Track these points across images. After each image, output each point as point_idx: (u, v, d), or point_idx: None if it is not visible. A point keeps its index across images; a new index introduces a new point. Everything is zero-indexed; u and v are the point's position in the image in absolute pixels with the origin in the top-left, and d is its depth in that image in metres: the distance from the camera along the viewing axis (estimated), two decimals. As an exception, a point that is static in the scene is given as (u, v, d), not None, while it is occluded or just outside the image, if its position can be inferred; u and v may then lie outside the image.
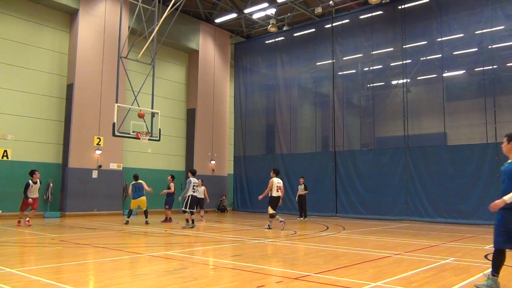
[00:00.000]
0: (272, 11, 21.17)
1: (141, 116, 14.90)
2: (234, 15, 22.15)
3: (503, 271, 5.10)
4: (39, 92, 17.38)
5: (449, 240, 10.41)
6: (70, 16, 18.41)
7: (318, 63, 21.28)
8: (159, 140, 15.98)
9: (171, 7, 15.09)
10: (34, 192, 12.78)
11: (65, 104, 18.03)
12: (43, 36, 17.64)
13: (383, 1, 18.55)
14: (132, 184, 14.32)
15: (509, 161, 5.03)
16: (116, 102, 15.08)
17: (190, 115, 22.94)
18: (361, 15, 19.87)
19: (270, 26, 21.90)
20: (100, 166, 18.07)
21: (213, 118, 23.35)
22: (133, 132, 15.01)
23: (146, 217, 14.29)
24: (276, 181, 12.92)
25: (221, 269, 6.42)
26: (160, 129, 15.84)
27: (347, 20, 20.23)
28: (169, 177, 15.68)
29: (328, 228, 13.65)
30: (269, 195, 12.87)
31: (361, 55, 19.76)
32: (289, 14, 22.07)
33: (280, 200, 13.09)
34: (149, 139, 15.45)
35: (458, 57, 17.12)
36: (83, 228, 12.71)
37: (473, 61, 16.70)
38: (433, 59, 17.75)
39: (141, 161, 20.33)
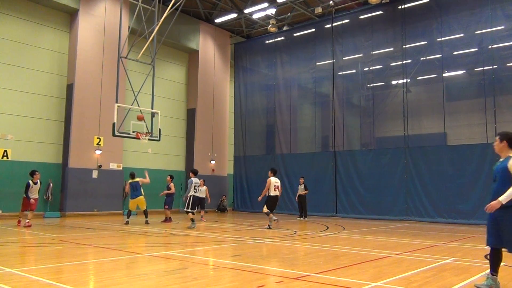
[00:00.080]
0: (272, 11, 21.17)
1: (140, 118, 14.89)
2: (234, 15, 22.15)
3: (503, 271, 5.10)
4: (39, 92, 17.38)
5: (449, 240, 10.41)
6: (70, 16, 18.41)
7: (318, 63, 21.28)
8: (159, 140, 15.98)
9: (171, 7, 15.09)
10: (34, 193, 12.73)
11: (65, 104, 18.03)
12: (43, 36, 17.64)
13: (383, 1, 18.55)
14: (129, 183, 14.30)
15: (501, 159, 5.05)
16: (116, 102, 15.08)
17: (190, 115, 22.94)
18: (361, 15, 19.87)
19: (270, 26, 21.90)
20: (100, 166, 18.07)
21: (213, 118, 23.35)
22: (133, 132, 15.02)
23: (146, 217, 14.28)
24: (274, 181, 13.01)
25: (221, 269, 6.42)
26: (160, 129, 15.85)
27: (347, 20, 20.23)
28: (168, 177, 15.66)
29: (328, 228, 13.65)
30: (267, 194, 12.96)
31: (361, 55, 19.76)
32: (289, 14, 22.07)
33: (278, 200, 13.17)
34: (149, 139, 15.46)
35: (458, 57, 17.11)
36: (83, 228, 12.71)
37: (473, 61, 16.69)
38: (433, 59, 17.75)
39: (141, 161, 20.33)
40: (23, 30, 17.04)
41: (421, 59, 17.82)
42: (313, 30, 21.64)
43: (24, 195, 12.68)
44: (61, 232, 11.77)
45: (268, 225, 12.89)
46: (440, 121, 16.79)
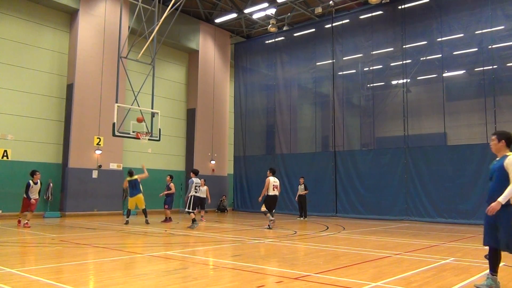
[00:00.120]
0: (272, 11, 21.17)
1: (140, 121, 14.89)
2: (234, 15, 22.15)
3: (503, 271, 5.10)
4: (39, 92, 17.38)
5: (449, 240, 10.41)
6: (70, 16, 18.41)
7: (318, 63, 21.28)
8: (159, 140, 15.97)
9: (171, 7, 15.09)
10: (34, 193, 12.69)
11: (65, 104, 18.03)
12: (43, 36, 17.64)
13: (383, 1, 18.55)
14: (128, 181, 14.29)
15: (497, 158, 5.07)
16: (116, 102, 15.08)
17: (190, 115, 22.94)
18: (361, 15, 19.87)
19: (270, 26, 21.90)
20: (100, 166, 18.07)
21: (213, 118, 23.36)
22: (133, 132, 15.01)
23: (146, 216, 14.27)
24: (273, 180, 13.07)
25: (221, 269, 6.42)
26: (160, 129, 15.84)
27: (347, 20, 20.23)
28: (168, 177, 15.65)
29: (328, 228, 13.65)
30: (266, 193, 13.01)
31: (361, 55, 19.76)
32: (289, 14, 22.07)
33: (277, 200, 13.20)
34: (149, 139, 15.45)
35: (458, 57, 17.12)
36: (83, 228, 12.71)
37: (473, 61, 16.69)
38: (433, 59, 17.75)
39: (141, 161, 20.26)
40: (23, 30, 17.04)
41: (421, 59, 17.82)
42: (313, 30, 21.64)
43: (25, 195, 12.64)
44: (61, 232, 11.78)
45: (268, 225, 12.89)
46: (440, 121, 16.79)
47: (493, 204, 4.73)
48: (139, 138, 15.01)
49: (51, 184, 17.00)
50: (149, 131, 15.49)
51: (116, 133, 14.73)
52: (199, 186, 13.24)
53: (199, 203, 13.53)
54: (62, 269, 6.34)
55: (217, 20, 22.86)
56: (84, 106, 17.74)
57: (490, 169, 5.10)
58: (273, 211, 13.26)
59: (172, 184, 15.46)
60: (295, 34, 22.43)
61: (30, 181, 12.65)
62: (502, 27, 15.92)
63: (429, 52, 17.77)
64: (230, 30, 24.64)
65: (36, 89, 17.28)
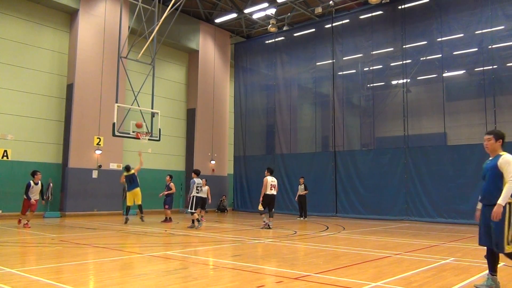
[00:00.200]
0: (272, 11, 21.17)
1: (139, 126, 14.88)
2: (234, 15, 22.15)
3: (503, 271, 5.10)
4: (39, 92, 17.38)
5: (449, 240, 10.42)
6: (70, 16, 18.41)
7: (318, 63, 21.28)
8: (159, 140, 15.97)
9: (171, 7, 15.09)
10: (35, 194, 12.66)
11: (65, 104, 18.03)
12: (43, 36, 17.64)
13: (383, 1, 18.55)
14: (125, 176, 14.29)
15: (491, 158, 5.09)
16: (116, 102, 15.08)
17: (190, 115, 22.94)
18: (361, 15, 19.86)
19: (270, 26, 21.90)
20: (100, 166, 18.07)
21: (213, 118, 23.36)
22: (133, 132, 15.02)
23: (141, 213, 14.27)
24: (271, 180, 13.12)
25: (221, 269, 6.42)
26: (160, 129, 15.84)
27: (347, 20, 20.22)
28: (168, 177, 15.66)
29: (328, 228, 13.65)
30: (264, 193, 13.04)
31: (361, 55, 19.76)
32: (289, 14, 22.07)
33: (274, 199, 13.23)
34: (149, 139, 15.45)
35: (458, 57, 17.11)
36: (83, 228, 12.71)
37: (473, 61, 16.69)
38: (433, 59, 17.75)
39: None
40: (23, 30, 17.04)
41: (421, 59, 17.82)
42: (313, 30, 21.63)
43: (25, 196, 12.56)
44: (61, 232, 11.78)
45: (268, 225, 12.90)
46: (440, 121, 16.79)
47: (495, 209, 4.72)
48: (139, 138, 15.02)
49: (51, 184, 17.00)
50: (149, 131, 15.49)
51: (116, 133, 14.73)
52: (200, 187, 13.25)
53: (201, 203, 13.54)
54: (62, 269, 6.34)
55: (217, 20, 22.86)
56: (84, 106, 17.74)
57: (483, 169, 5.12)
58: (273, 211, 13.29)
59: (172, 184, 15.47)
60: (295, 34, 22.43)
61: (31, 181, 12.62)
62: (502, 27, 15.92)
63: (429, 52, 17.77)
64: (230, 30, 24.64)
65: (36, 89, 17.28)
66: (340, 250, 8.61)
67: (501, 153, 4.97)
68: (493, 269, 4.95)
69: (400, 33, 18.19)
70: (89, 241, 9.65)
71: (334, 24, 20.39)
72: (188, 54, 23.39)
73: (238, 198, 23.53)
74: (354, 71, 20.44)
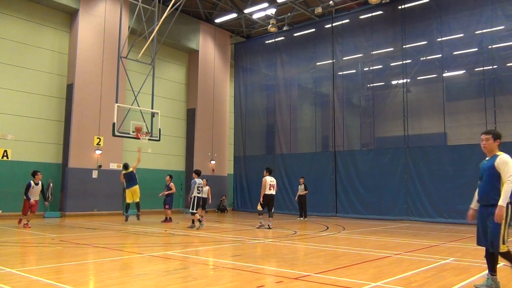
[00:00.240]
0: (272, 11, 21.17)
1: (138, 130, 14.88)
2: (234, 15, 22.15)
3: (503, 271, 5.10)
4: (39, 92, 17.38)
5: (449, 240, 10.42)
6: (70, 16, 18.41)
7: (318, 63, 21.27)
8: (159, 140, 15.98)
9: (171, 7, 15.09)
10: (35, 194, 12.64)
11: (65, 104, 18.03)
12: (43, 36, 17.64)
13: (383, 1, 18.55)
14: (124, 174, 14.30)
15: (487, 158, 5.11)
16: (116, 102, 15.08)
17: (190, 115, 22.94)
18: (361, 15, 19.86)
19: (270, 26, 21.90)
20: (100, 166, 18.07)
21: (213, 118, 23.36)
22: (133, 132, 15.03)
23: (138, 211, 14.27)
24: (269, 180, 13.16)
25: (221, 269, 6.42)
26: (160, 129, 15.85)
27: (347, 20, 20.22)
28: (168, 177, 15.66)
29: (328, 228, 13.65)
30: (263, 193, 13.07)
31: (361, 55, 19.76)
32: (289, 14, 22.07)
33: (273, 199, 13.24)
34: (149, 139, 15.47)
35: (458, 57, 17.11)
36: (83, 228, 12.71)
37: (473, 61, 16.69)
38: (433, 59, 17.75)
39: (141, 161, 20.25)
40: (23, 30, 17.04)
41: (421, 59, 17.82)
42: (313, 30, 21.63)
43: (25, 196, 12.52)
44: (61, 232, 11.77)
45: (268, 225, 12.91)
46: (440, 121, 16.79)
47: (497, 212, 4.72)
48: (139, 138, 15.03)
49: (51, 184, 17.00)
50: (149, 131, 15.50)
51: (116, 133, 14.74)
52: (201, 187, 13.25)
53: (201, 203, 13.55)
54: (62, 269, 6.34)
55: (217, 20, 22.86)
56: (84, 106, 17.74)
57: (480, 169, 5.14)
58: (272, 210, 13.30)
59: (172, 184, 15.46)
60: (295, 34, 22.43)
61: (31, 182, 12.60)
62: (502, 27, 15.91)
63: (429, 52, 17.77)
64: (230, 30, 24.64)
65: (36, 89, 17.28)
66: (340, 250, 8.62)
67: (498, 153, 4.97)
68: (492, 269, 4.96)
69: (400, 33, 18.19)
70: (89, 241, 9.65)
71: (334, 24, 20.39)
72: (188, 54, 23.39)
73: (238, 198, 23.53)
74: (354, 71, 20.44)
